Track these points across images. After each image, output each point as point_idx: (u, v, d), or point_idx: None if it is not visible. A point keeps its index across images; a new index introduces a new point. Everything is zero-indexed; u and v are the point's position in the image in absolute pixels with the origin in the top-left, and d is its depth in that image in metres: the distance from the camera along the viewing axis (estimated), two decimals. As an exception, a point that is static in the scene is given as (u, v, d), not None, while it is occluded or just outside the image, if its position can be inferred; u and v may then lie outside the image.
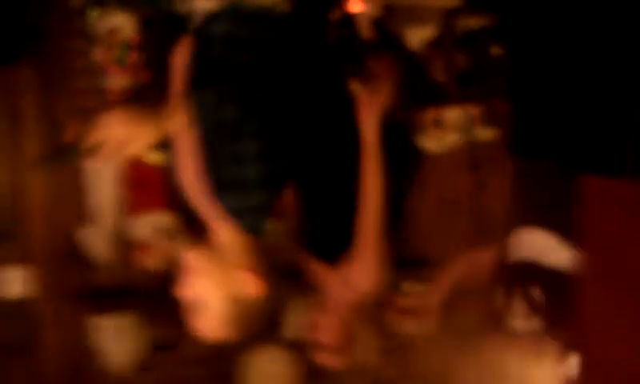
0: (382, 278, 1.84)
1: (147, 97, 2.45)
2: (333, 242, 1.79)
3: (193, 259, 1.51)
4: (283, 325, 2.83)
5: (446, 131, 2.58)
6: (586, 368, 1.73)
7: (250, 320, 1.49)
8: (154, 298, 2.66)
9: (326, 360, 1.88)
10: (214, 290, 1.47)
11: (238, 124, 1.45)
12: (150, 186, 2.58)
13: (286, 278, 1.76)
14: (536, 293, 2.12)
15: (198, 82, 1.54)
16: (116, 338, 2.62)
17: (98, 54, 2.46)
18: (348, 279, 1.78)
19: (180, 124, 1.48)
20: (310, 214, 1.84)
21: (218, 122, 1.44)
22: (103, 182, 2.53)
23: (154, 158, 2.46)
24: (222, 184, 1.48)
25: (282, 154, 1.57)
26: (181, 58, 1.65)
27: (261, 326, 1.52)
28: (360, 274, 1.79)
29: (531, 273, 2.11)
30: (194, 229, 2.59)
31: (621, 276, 1.58)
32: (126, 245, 2.62)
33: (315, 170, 1.80)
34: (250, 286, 1.48)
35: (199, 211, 1.58)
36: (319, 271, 1.89)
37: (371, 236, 1.79)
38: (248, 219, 1.50)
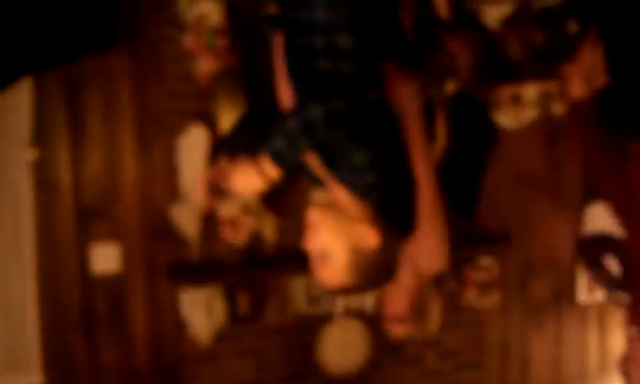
0: (446, 253, 1.88)
1: (235, 80, 2.55)
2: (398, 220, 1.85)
3: (317, 215, 1.61)
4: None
5: (523, 108, 2.60)
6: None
7: (370, 268, 1.58)
8: (239, 271, 2.79)
9: (395, 330, 1.95)
10: (337, 242, 1.57)
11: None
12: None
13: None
14: (612, 263, 2.14)
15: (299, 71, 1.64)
16: (202, 310, 2.73)
17: (188, 40, 2.56)
18: (413, 255, 1.83)
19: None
20: None
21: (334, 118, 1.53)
22: (193, 160, 2.61)
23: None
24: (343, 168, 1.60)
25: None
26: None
27: (379, 273, 1.62)
28: (424, 250, 1.84)
29: (606, 244, 2.11)
30: (276, 206, 2.70)
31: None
32: (214, 221, 2.73)
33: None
34: (369, 237, 1.57)
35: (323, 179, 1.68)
36: None
37: (432, 214, 1.83)
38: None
